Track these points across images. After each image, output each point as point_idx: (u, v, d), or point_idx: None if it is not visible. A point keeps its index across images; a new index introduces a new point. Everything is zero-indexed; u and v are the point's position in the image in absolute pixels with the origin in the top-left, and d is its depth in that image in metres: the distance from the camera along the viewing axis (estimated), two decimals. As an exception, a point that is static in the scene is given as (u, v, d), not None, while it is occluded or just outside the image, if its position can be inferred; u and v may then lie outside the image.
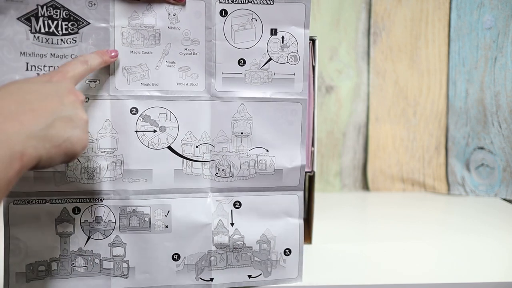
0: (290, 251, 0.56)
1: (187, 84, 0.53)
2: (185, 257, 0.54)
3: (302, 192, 0.56)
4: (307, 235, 0.71)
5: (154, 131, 0.53)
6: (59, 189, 0.52)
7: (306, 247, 0.68)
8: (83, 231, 0.52)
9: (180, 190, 0.54)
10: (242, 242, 0.55)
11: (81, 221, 0.52)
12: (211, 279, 0.55)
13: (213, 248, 0.54)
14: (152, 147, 0.53)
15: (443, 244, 0.70)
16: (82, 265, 0.53)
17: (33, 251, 0.51)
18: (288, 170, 0.55)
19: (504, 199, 0.95)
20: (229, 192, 0.55)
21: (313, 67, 0.65)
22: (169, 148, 0.53)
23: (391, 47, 0.99)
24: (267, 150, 0.54)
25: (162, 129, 0.53)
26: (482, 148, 0.96)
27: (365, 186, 1.03)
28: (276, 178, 0.55)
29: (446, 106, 0.99)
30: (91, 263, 0.53)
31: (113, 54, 0.50)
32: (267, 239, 0.55)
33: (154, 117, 0.52)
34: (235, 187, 0.55)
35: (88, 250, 0.53)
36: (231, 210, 0.55)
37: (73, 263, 0.53)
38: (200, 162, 0.54)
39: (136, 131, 0.52)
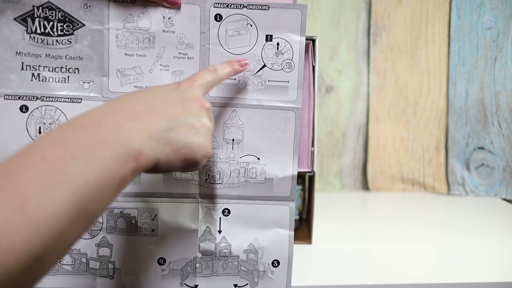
0: (278, 262, 0.55)
1: None
2: (170, 262, 0.54)
3: (294, 203, 0.55)
4: (307, 235, 0.71)
5: None
6: None
7: (306, 247, 0.68)
8: None
9: (169, 195, 0.54)
10: (228, 251, 0.54)
11: None
12: (196, 286, 0.54)
13: (199, 255, 0.54)
14: None
15: (443, 244, 0.70)
16: (70, 263, 0.53)
17: None
18: (279, 179, 0.54)
19: (504, 199, 0.95)
20: (218, 199, 0.54)
21: (313, 67, 0.65)
22: None
23: (391, 47, 0.99)
24: (258, 158, 0.54)
25: None
26: (482, 148, 0.96)
27: (365, 186, 1.03)
28: (267, 187, 0.54)
29: (446, 106, 0.99)
30: (78, 261, 0.53)
31: (244, 62, 0.50)
32: (254, 249, 0.54)
33: None
34: (225, 194, 0.54)
35: (75, 249, 0.53)
36: (220, 218, 0.54)
37: (60, 261, 0.53)
38: None
39: None
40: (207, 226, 0.54)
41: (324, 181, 1.02)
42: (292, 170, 0.54)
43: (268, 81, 0.53)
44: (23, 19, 0.49)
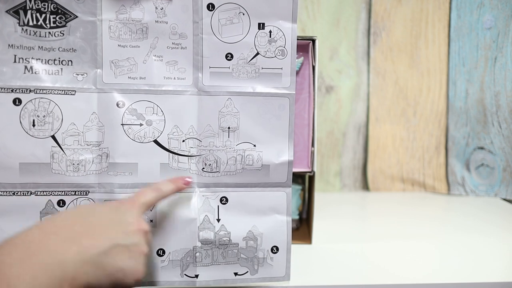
0: (277, 248, 0.55)
1: (174, 78, 0.53)
2: (170, 253, 0.54)
3: (290, 189, 0.55)
4: (307, 235, 0.71)
5: (141, 124, 0.52)
6: (44, 181, 0.51)
7: (306, 247, 0.68)
8: None
9: None
10: (228, 239, 0.54)
11: None
12: (196, 276, 0.54)
13: (199, 244, 0.54)
14: (138, 141, 0.53)
15: (443, 244, 0.70)
16: None
17: None
18: (276, 165, 0.54)
19: (504, 199, 0.95)
20: (215, 188, 0.54)
21: (313, 67, 0.65)
22: (155, 142, 0.53)
23: (391, 47, 0.99)
24: (254, 145, 0.54)
25: (149, 123, 0.53)
26: (482, 148, 0.96)
27: (365, 186, 1.03)
28: (264, 174, 0.54)
29: (446, 106, 0.99)
30: None
31: (187, 180, 0.52)
32: (253, 236, 0.55)
33: (140, 111, 0.52)
34: (222, 183, 0.54)
35: None
36: (218, 206, 0.54)
37: None
38: (187, 157, 0.53)
39: (122, 124, 0.52)
40: (206, 215, 0.54)
41: (324, 181, 1.02)
42: (288, 156, 0.54)
43: (262, 68, 0.53)
44: (15, 12, 0.49)
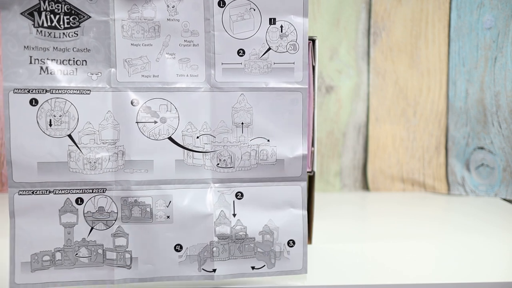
0: (294, 242, 0.55)
1: (187, 76, 0.53)
2: (187, 248, 0.54)
3: (306, 183, 0.55)
4: (307, 235, 0.71)
5: (155, 122, 0.53)
6: (62, 179, 0.52)
7: (306, 247, 0.68)
8: (86, 221, 0.53)
9: (181, 181, 0.54)
10: (244, 233, 0.55)
11: (84, 212, 0.53)
12: (214, 270, 0.54)
13: (215, 239, 0.54)
14: (153, 138, 0.53)
15: (443, 244, 0.70)
16: (86, 255, 0.53)
17: (38, 241, 0.52)
18: (290, 160, 0.54)
19: (504, 199, 0.95)
20: (230, 183, 0.55)
21: (313, 67, 0.65)
22: (170, 139, 0.53)
23: (391, 47, 0.99)
24: (268, 140, 0.54)
25: (163, 120, 0.53)
26: (482, 148, 0.96)
27: (365, 186, 1.03)
28: (278, 169, 0.55)
29: (446, 106, 0.99)
30: (94, 253, 0.53)
31: None
32: (270, 230, 0.55)
33: (154, 109, 0.53)
34: (237, 178, 0.54)
35: (91, 240, 0.53)
36: (233, 201, 0.55)
37: (77, 253, 0.53)
38: (201, 153, 0.54)
39: (137, 122, 0.53)
40: (222, 210, 0.54)
41: (324, 181, 1.02)
42: (302, 150, 0.54)
43: (274, 63, 0.54)
44: (29, 13, 0.50)
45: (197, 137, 0.54)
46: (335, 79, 1.00)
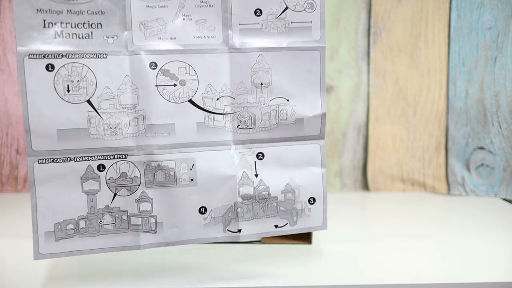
0: (314, 199, 0.57)
1: (204, 37, 0.53)
2: (211, 210, 0.54)
3: (324, 141, 0.56)
4: (307, 235, 0.71)
5: (174, 85, 0.53)
6: (83, 146, 0.51)
7: (306, 247, 0.68)
8: (109, 188, 0.53)
9: (203, 144, 0.54)
10: (267, 193, 0.56)
11: (107, 178, 0.53)
12: (239, 230, 0.55)
13: (239, 200, 0.55)
14: (174, 101, 0.53)
15: (443, 244, 0.70)
16: (110, 222, 0.53)
17: (61, 210, 0.52)
18: (309, 118, 0.55)
19: (504, 199, 0.95)
20: (251, 144, 0.55)
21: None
22: (190, 101, 0.53)
23: (391, 47, 0.99)
24: (288, 100, 0.55)
25: (182, 83, 0.53)
26: (482, 148, 0.96)
27: (365, 186, 1.03)
28: (298, 128, 0.55)
29: (446, 106, 0.99)
30: (118, 219, 0.53)
31: None
32: (291, 188, 0.56)
33: (173, 71, 0.53)
34: (257, 139, 0.55)
35: (115, 207, 0.53)
36: (255, 162, 0.55)
37: (101, 221, 0.53)
38: (222, 115, 0.54)
39: (156, 86, 0.52)
40: (244, 171, 0.55)
41: (324, 181, 1.02)
42: (321, 109, 0.55)
43: (292, 23, 0.54)
44: None
45: (217, 99, 0.54)
46: (335, 79, 1.00)
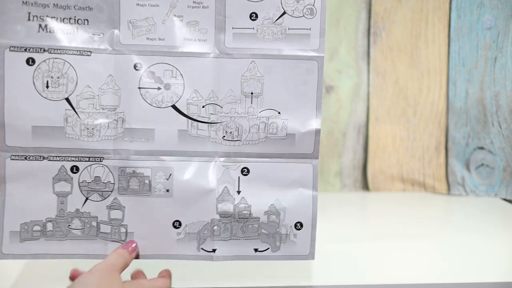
0: (301, 225, 0.51)
1: (195, 40, 0.50)
2: (186, 225, 0.51)
3: (317, 161, 0.51)
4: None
5: (159, 88, 0.50)
6: (58, 145, 0.50)
7: (306, 247, 0.68)
8: (81, 191, 0.50)
9: (184, 153, 0.51)
10: (248, 212, 0.51)
11: (79, 181, 0.50)
12: (214, 250, 0.51)
13: (217, 217, 0.51)
14: (156, 106, 0.50)
15: (443, 244, 0.70)
16: (79, 227, 0.50)
17: (29, 210, 0.50)
18: (302, 134, 0.50)
19: (504, 199, 0.95)
20: (236, 158, 0.51)
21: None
22: (173, 107, 0.50)
23: (391, 47, 0.99)
24: (279, 113, 0.50)
25: (167, 87, 0.50)
26: (482, 148, 0.96)
27: (365, 186, 1.03)
28: (288, 144, 0.51)
29: (446, 106, 0.99)
30: (88, 225, 0.50)
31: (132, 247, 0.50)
32: (276, 210, 0.51)
33: (158, 74, 0.50)
34: (244, 152, 0.51)
35: (85, 212, 0.50)
36: (238, 177, 0.51)
37: (69, 225, 0.50)
38: (206, 124, 0.51)
39: (139, 88, 0.50)
40: (226, 186, 0.51)
41: (324, 181, 1.02)
42: (315, 124, 0.51)
43: (289, 29, 0.50)
44: None
45: (203, 107, 0.50)
46: (335, 79, 1.00)
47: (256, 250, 0.51)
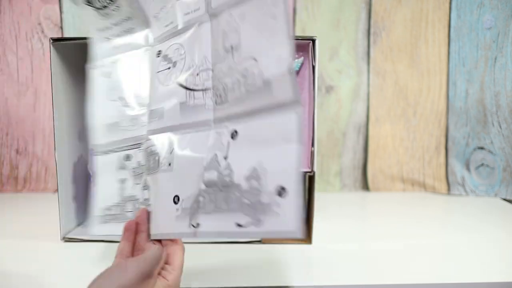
0: (284, 189, 0.41)
1: (191, 12, 0.53)
2: (183, 200, 0.48)
3: (301, 110, 0.42)
4: (307, 235, 0.71)
5: (169, 68, 0.54)
6: (117, 138, 0.56)
7: (306, 247, 0.68)
8: (132, 176, 0.55)
9: (186, 125, 0.51)
10: (230, 179, 0.45)
11: (131, 168, 0.56)
12: (198, 225, 0.46)
13: (203, 187, 0.47)
14: (166, 84, 0.54)
15: (443, 244, 0.70)
16: (130, 210, 0.55)
17: (105, 197, 0.56)
18: (278, 78, 0.43)
19: (504, 199, 0.95)
20: (228, 122, 0.47)
21: (313, 67, 0.65)
22: (177, 82, 0.53)
23: (391, 47, 0.99)
24: (256, 60, 0.45)
25: (174, 64, 0.53)
26: (482, 148, 0.96)
27: (365, 186, 1.03)
28: (267, 93, 0.44)
29: (446, 106, 0.99)
30: (136, 207, 0.54)
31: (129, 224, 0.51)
32: (257, 174, 0.43)
33: (170, 55, 0.54)
34: (232, 114, 0.47)
35: (132, 195, 0.55)
36: (228, 142, 0.46)
37: (124, 208, 0.55)
38: (201, 91, 0.50)
39: (157, 72, 0.55)
40: (215, 153, 0.47)
41: (324, 181, 1.02)
42: (288, 62, 0.42)
43: None
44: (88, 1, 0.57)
45: (197, 74, 0.50)
46: (335, 79, 1.00)
47: (238, 225, 0.44)
